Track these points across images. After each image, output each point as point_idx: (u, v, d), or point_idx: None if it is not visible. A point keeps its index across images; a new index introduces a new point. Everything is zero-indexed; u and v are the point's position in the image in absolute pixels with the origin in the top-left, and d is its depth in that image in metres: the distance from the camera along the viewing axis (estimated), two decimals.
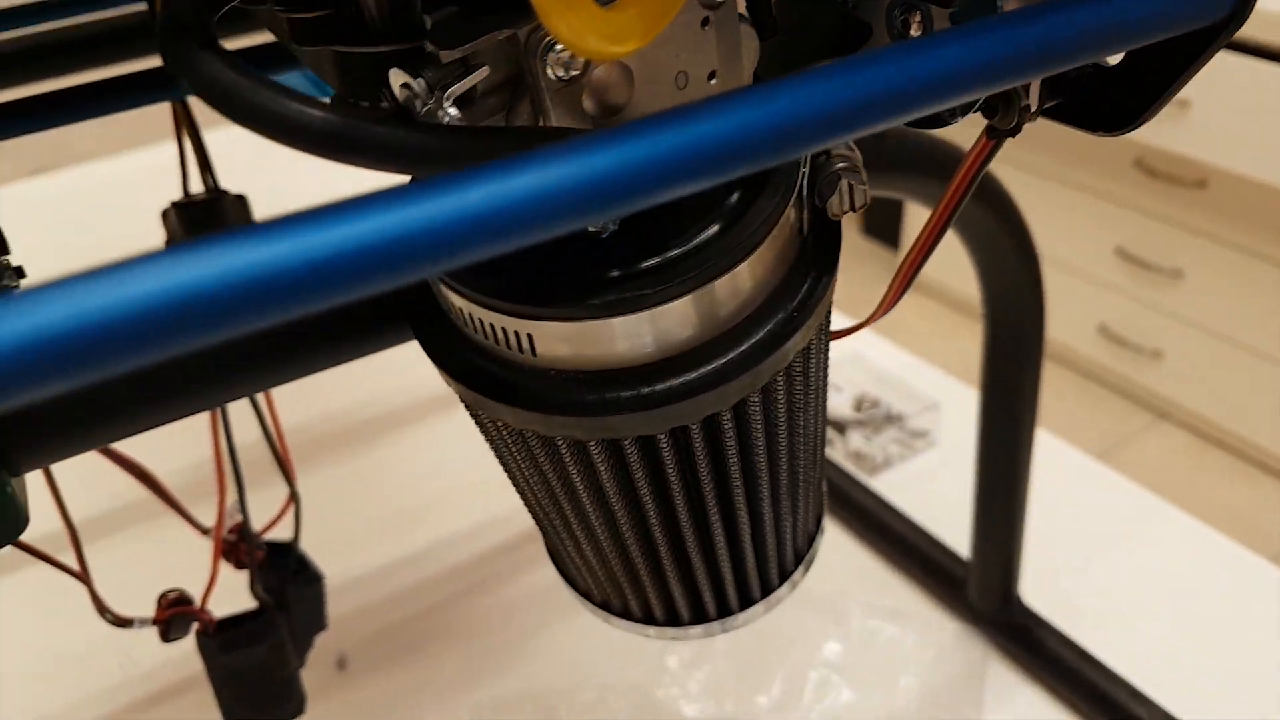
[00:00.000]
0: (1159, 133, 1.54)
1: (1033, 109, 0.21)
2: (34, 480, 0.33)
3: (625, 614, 0.30)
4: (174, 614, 0.40)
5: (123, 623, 0.40)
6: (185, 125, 0.36)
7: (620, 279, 0.21)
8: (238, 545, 0.44)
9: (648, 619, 0.30)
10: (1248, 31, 1.37)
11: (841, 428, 0.75)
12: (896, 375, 0.79)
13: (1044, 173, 1.81)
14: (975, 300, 0.48)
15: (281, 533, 0.46)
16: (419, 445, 0.76)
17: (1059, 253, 1.82)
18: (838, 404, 0.77)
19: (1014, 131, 0.21)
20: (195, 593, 0.42)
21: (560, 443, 0.23)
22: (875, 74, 0.14)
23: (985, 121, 0.22)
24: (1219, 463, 1.69)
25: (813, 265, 0.23)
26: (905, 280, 0.25)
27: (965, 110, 0.21)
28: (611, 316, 0.21)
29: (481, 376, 0.22)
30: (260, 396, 0.42)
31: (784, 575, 0.30)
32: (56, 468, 0.37)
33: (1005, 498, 0.55)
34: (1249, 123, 1.43)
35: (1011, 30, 0.16)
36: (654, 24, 0.16)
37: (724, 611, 0.29)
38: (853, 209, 0.22)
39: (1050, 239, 1.87)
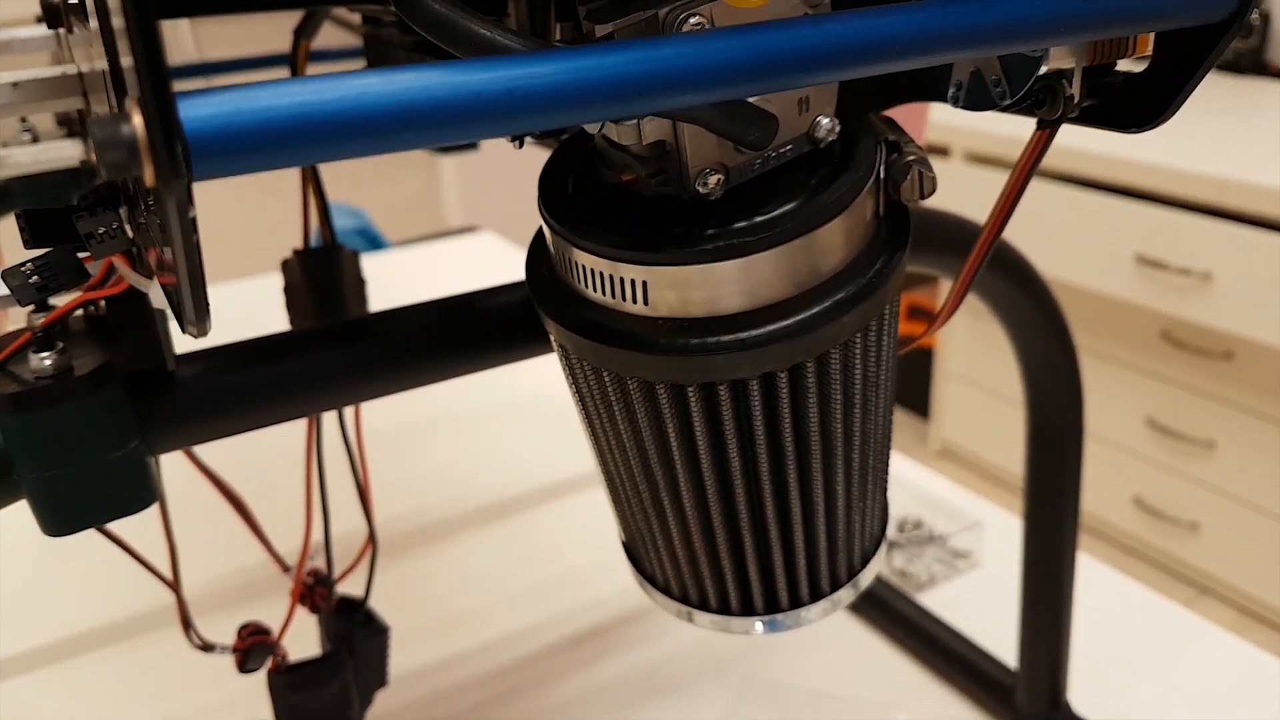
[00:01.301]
0: (1184, 305, 1.59)
1: (1076, 99, 0.25)
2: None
3: (700, 603, 0.32)
4: (253, 643, 0.42)
5: (207, 647, 0.41)
6: (311, 183, 0.41)
7: (724, 233, 0.24)
8: (314, 589, 0.46)
9: (722, 606, 0.32)
10: (1266, 207, 1.44)
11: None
12: (937, 496, 0.81)
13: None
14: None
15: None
16: (470, 550, 0.78)
17: (1091, 425, 1.83)
18: None
19: (1059, 121, 0.25)
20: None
21: (660, 390, 0.26)
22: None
23: (1034, 129, 0.26)
24: (1266, 640, 1.65)
25: (887, 242, 0.27)
26: (968, 278, 0.28)
27: (1015, 98, 0.25)
28: (716, 261, 0.24)
29: (595, 327, 0.26)
30: (353, 437, 0.45)
31: (851, 572, 0.32)
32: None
33: (1053, 594, 0.56)
34: (1271, 294, 1.48)
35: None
36: None
37: (795, 601, 0.31)
38: (922, 196, 0.26)
39: None
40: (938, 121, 1.82)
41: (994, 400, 2.00)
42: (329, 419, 0.43)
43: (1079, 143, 1.70)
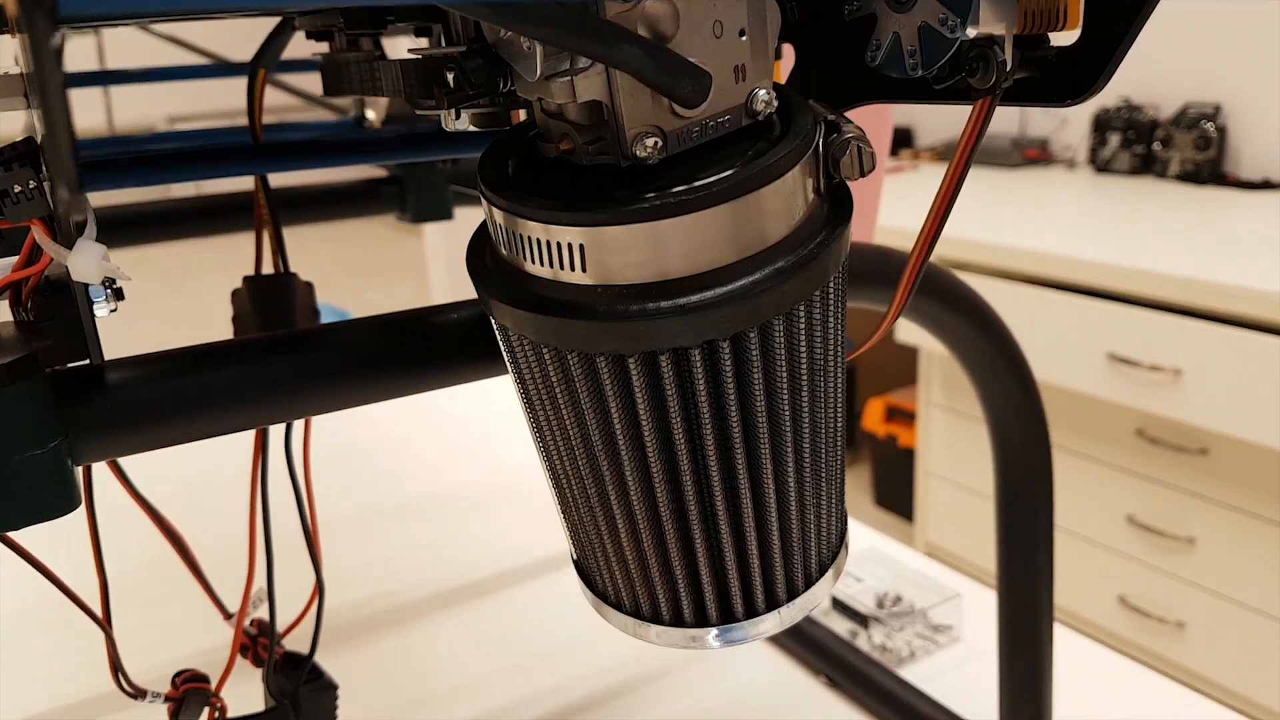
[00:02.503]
0: (1157, 401, 1.60)
1: (1008, 66, 0.25)
2: (74, 530, 0.34)
3: (652, 615, 0.30)
4: (189, 691, 0.40)
5: (137, 693, 0.39)
6: (265, 205, 0.40)
7: (660, 194, 0.24)
8: (256, 640, 0.44)
9: (674, 617, 0.30)
10: (1231, 305, 1.47)
11: (864, 621, 0.74)
12: (917, 569, 0.79)
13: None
14: None
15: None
16: (438, 631, 0.75)
17: (1071, 523, 1.83)
18: (859, 594, 0.76)
19: (994, 89, 0.25)
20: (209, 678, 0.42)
21: (601, 364, 0.25)
22: None
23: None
24: None
25: (828, 218, 0.26)
26: (918, 263, 0.28)
27: (947, 72, 0.25)
28: (652, 220, 0.24)
29: (535, 298, 0.25)
30: (300, 478, 0.43)
31: (808, 581, 0.31)
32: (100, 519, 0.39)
33: (1031, 661, 0.54)
34: (1241, 389, 1.49)
35: None
36: None
37: (750, 610, 0.30)
38: (862, 172, 0.26)
39: (1061, 509, 1.87)
40: (953, 237, 1.84)
41: (978, 501, 1.99)
42: (277, 454, 0.42)
43: (1047, 246, 1.73)
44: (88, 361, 0.31)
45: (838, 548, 0.32)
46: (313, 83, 0.64)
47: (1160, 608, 1.73)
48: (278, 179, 0.45)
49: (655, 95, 0.24)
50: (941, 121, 2.57)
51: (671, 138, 0.25)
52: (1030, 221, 1.97)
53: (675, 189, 0.24)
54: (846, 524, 0.33)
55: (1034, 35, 0.25)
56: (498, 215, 0.26)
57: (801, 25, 0.30)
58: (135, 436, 0.32)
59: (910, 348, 2.07)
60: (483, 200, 0.27)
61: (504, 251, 0.27)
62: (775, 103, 0.26)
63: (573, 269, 0.25)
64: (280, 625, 0.45)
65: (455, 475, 0.98)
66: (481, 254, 0.28)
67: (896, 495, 2.35)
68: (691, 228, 0.24)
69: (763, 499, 0.28)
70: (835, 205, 0.27)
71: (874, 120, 0.33)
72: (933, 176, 2.35)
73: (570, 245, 0.24)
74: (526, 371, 0.28)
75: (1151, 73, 2.17)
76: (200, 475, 0.80)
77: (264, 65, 0.40)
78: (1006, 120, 2.44)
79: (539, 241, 0.25)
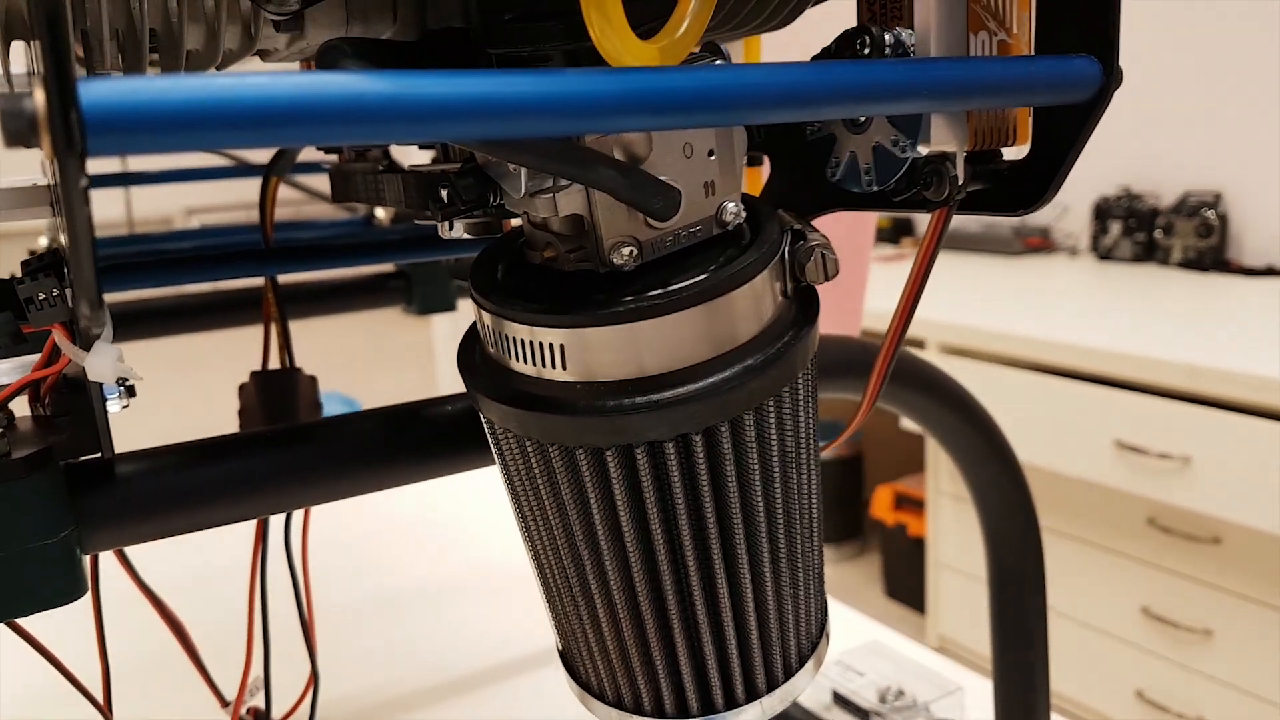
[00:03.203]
0: (1167, 489, 1.59)
1: (960, 180, 0.27)
2: (77, 614, 0.36)
3: (634, 706, 0.31)
4: None
5: None
6: (274, 303, 0.42)
7: (636, 299, 0.26)
8: None
9: (655, 708, 0.31)
10: (1236, 392, 1.47)
11: (866, 716, 0.74)
12: (919, 663, 0.79)
13: (1061, 533, 1.84)
14: None
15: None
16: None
17: (1086, 615, 1.80)
18: (861, 688, 0.76)
19: (948, 201, 0.27)
20: None
21: (580, 456, 0.26)
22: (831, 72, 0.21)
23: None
24: None
25: (796, 319, 0.28)
26: (889, 353, 0.30)
27: (904, 185, 0.27)
28: (627, 322, 0.25)
29: (518, 394, 0.27)
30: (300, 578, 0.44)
31: (788, 673, 0.32)
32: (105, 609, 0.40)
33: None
34: (1251, 477, 1.49)
35: (924, 67, 0.22)
36: (671, 59, 0.22)
37: (730, 701, 0.31)
38: (826, 277, 0.28)
39: (1075, 600, 1.87)
40: (957, 323, 1.86)
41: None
42: (276, 545, 0.43)
43: (1051, 332, 1.75)
44: (99, 455, 0.32)
45: (818, 638, 0.33)
46: (325, 182, 0.67)
47: (1179, 702, 1.69)
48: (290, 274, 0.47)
49: (631, 210, 0.26)
50: None
51: (646, 246, 0.27)
52: (1033, 308, 1.98)
53: (650, 293, 0.26)
54: (827, 614, 0.34)
55: (986, 151, 0.27)
56: (486, 317, 0.28)
57: (768, 145, 0.32)
58: (142, 526, 0.33)
59: (917, 434, 2.07)
60: (473, 303, 0.29)
61: (492, 351, 0.28)
62: (743, 214, 0.28)
63: (554, 367, 0.26)
64: (276, 714, 0.45)
65: (446, 567, 0.98)
66: (472, 352, 0.30)
67: (907, 586, 2.33)
68: (665, 329, 0.26)
69: (739, 589, 0.29)
70: (803, 307, 0.28)
71: (855, 220, 0.35)
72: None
73: (552, 345, 0.26)
74: (512, 464, 0.29)
75: (1151, 161, 2.21)
76: (203, 562, 0.80)
77: (276, 173, 0.43)
78: None
79: (523, 342, 0.27)
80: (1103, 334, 1.72)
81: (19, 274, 0.26)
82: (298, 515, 0.44)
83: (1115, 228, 2.20)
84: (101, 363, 0.26)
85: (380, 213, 0.66)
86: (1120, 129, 2.24)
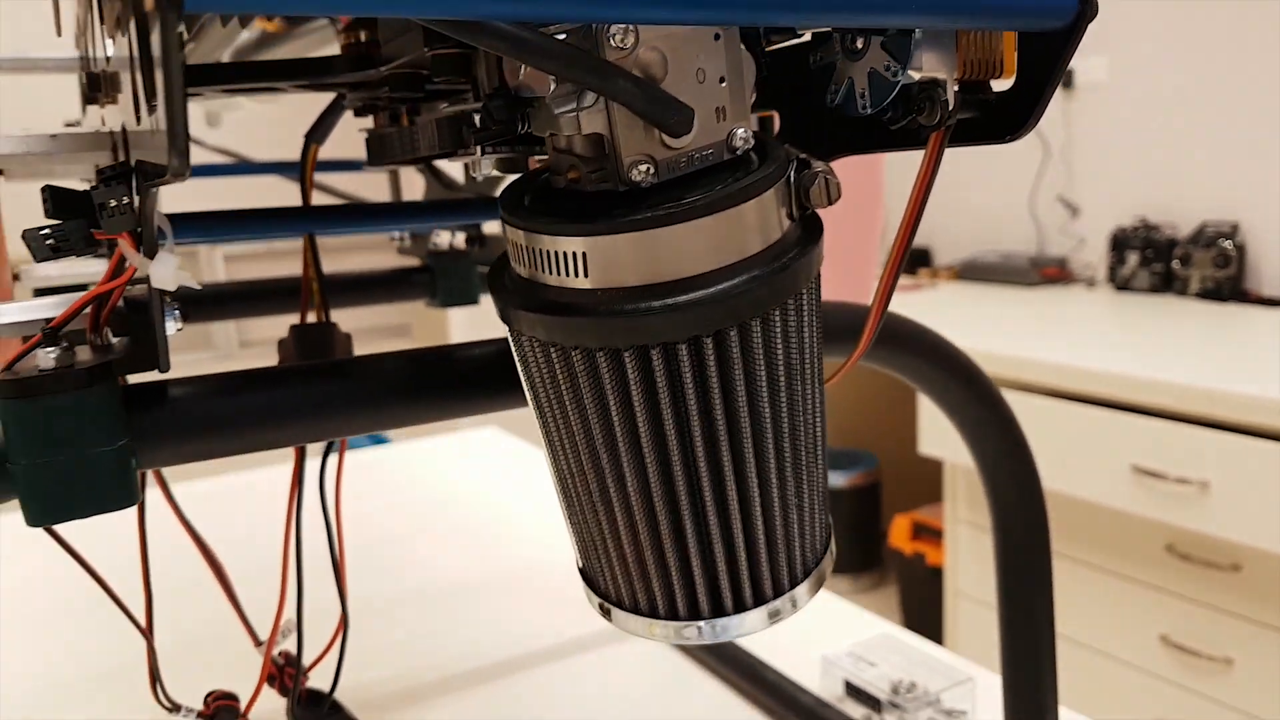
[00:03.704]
0: (1185, 515, 1.59)
1: (950, 105, 0.29)
2: (123, 541, 0.38)
3: (650, 610, 0.33)
4: (219, 708, 0.42)
5: (174, 707, 0.42)
6: (311, 258, 0.45)
7: (652, 210, 0.28)
8: (283, 670, 0.47)
9: (670, 611, 0.33)
10: (1254, 417, 1.48)
11: (878, 706, 0.75)
12: (930, 654, 0.80)
13: (1079, 559, 1.83)
14: None
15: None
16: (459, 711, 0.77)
17: (1107, 645, 1.79)
18: (874, 679, 0.77)
19: (940, 125, 0.29)
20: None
21: (600, 358, 0.29)
22: None
23: None
24: None
25: (800, 238, 0.30)
26: (892, 274, 0.32)
27: (900, 113, 0.30)
28: (643, 230, 0.28)
29: (545, 302, 0.29)
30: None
31: (793, 581, 0.33)
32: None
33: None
34: (1268, 501, 1.49)
35: None
36: None
37: (739, 604, 0.33)
38: (829, 200, 0.30)
39: (1093, 629, 1.86)
40: (973, 349, 1.88)
41: None
42: (312, 496, 0.45)
43: (1068, 359, 1.76)
44: (153, 376, 0.35)
45: (822, 554, 0.35)
46: (345, 182, 0.71)
47: None
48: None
49: (648, 128, 0.28)
50: (961, 240, 2.64)
51: (662, 166, 0.29)
52: (1050, 336, 1.99)
53: (663, 206, 0.28)
54: (831, 534, 0.36)
55: (976, 81, 0.30)
56: (516, 234, 0.30)
57: (775, 78, 0.34)
58: (191, 445, 0.35)
59: (935, 461, 2.08)
60: (503, 225, 0.31)
61: (518, 268, 0.31)
62: (752, 140, 0.30)
63: (577, 275, 0.29)
64: (306, 660, 0.47)
65: (487, 564, 1.00)
66: (500, 276, 0.32)
67: (926, 617, 2.32)
68: (679, 237, 0.28)
69: (747, 493, 0.31)
70: (807, 229, 0.31)
71: (867, 175, 0.37)
72: (951, 294, 2.40)
73: (575, 254, 0.28)
74: (538, 377, 0.31)
75: (1167, 192, 2.23)
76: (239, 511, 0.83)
77: (315, 140, 0.45)
78: (1024, 239, 2.50)
79: (549, 253, 0.29)
80: (1119, 360, 1.73)
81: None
82: (331, 462, 0.46)
83: (1133, 258, 2.21)
84: (165, 269, 0.29)
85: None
86: (1136, 160, 2.27)
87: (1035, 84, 0.29)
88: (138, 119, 0.25)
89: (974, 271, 2.49)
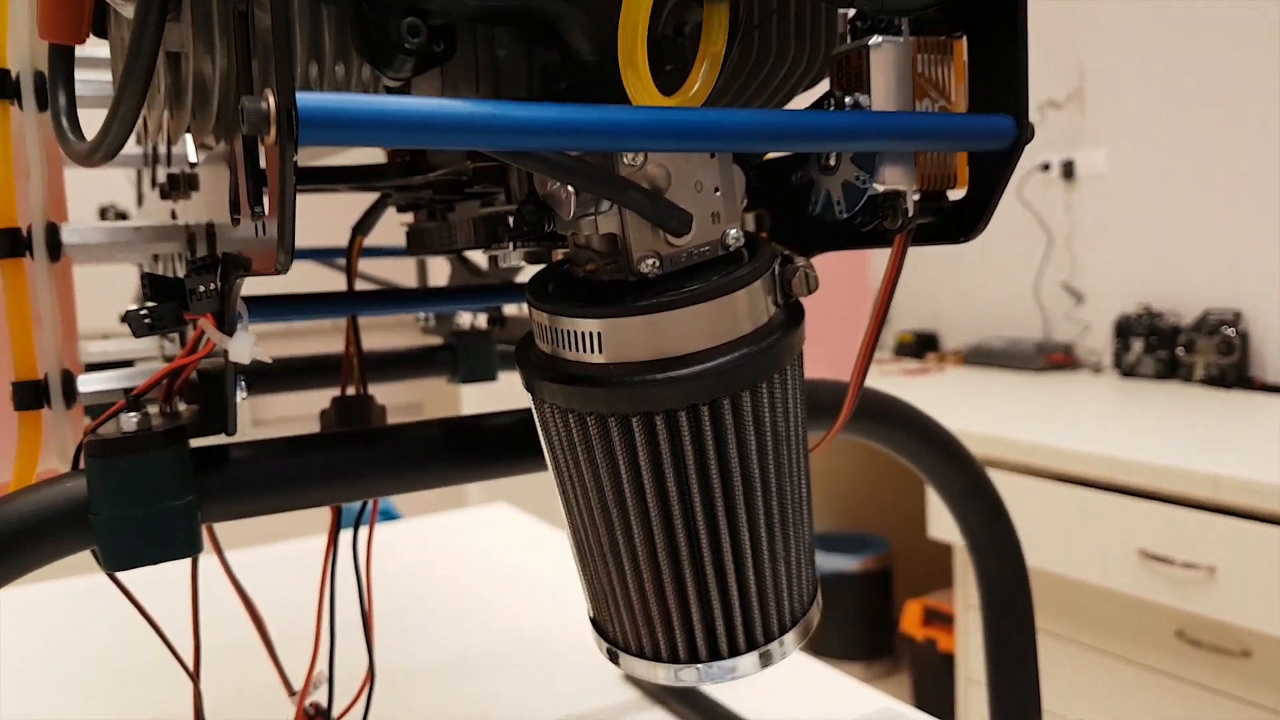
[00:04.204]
0: (1193, 600, 1.60)
1: (911, 214, 0.34)
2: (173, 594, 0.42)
3: (653, 654, 0.37)
4: None
5: None
6: (352, 337, 0.50)
7: (657, 298, 0.33)
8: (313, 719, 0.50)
9: (671, 655, 0.37)
10: (1260, 503, 1.49)
11: None
12: None
13: (1088, 645, 1.84)
14: None
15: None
16: None
17: None
18: None
19: (903, 229, 0.34)
20: None
21: (612, 424, 0.33)
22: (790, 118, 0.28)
23: None
24: None
25: (784, 322, 0.35)
26: (866, 354, 0.37)
27: (869, 217, 0.35)
28: (650, 314, 0.33)
29: (565, 375, 0.34)
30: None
31: (782, 629, 0.37)
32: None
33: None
34: (1276, 587, 1.50)
35: (873, 116, 0.30)
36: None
37: (733, 649, 0.36)
38: (809, 291, 0.35)
39: (1106, 717, 1.84)
40: (980, 434, 1.91)
41: None
42: (344, 555, 0.50)
43: (1074, 443, 1.78)
44: (219, 439, 0.39)
45: (809, 605, 0.39)
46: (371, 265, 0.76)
47: None
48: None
49: (654, 229, 0.33)
50: (966, 326, 2.69)
51: (666, 260, 0.34)
52: (1057, 421, 2.02)
53: (666, 293, 0.33)
54: (818, 588, 0.40)
55: (934, 192, 0.35)
56: (541, 316, 0.35)
57: (763, 190, 0.40)
58: (249, 502, 0.40)
59: (945, 545, 2.09)
60: (529, 308, 0.36)
61: (542, 345, 0.36)
62: (743, 239, 0.35)
63: (593, 351, 0.33)
64: (336, 709, 0.51)
65: (477, 639, 1.03)
66: (525, 352, 0.37)
67: (938, 705, 2.30)
68: (680, 320, 0.33)
69: (740, 546, 0.35)
70: (790, 314, 0.36)
71: (855, 264, 0.42)
72: (958, 378, 2.44)
73: (592, 333, 0.33)
74: (556, 438, 0.36)
75: (1169, 279, 2.27)
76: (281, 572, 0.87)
77: (360, 232, 0.51)
78: (1029, 325, 2.55)
79: (569, 333, 0.34)
80: (1125, 445, 1.75)
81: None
82: (362, 527, 0.50)
83: (1137, 345, 2.25)
84: (242, 346, 0.34)
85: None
86: (1138, 247, 2.32)
87: (985, 193, 0.34)
88: (235, 220, 0.30)
89: (981, 356, 2.53)
